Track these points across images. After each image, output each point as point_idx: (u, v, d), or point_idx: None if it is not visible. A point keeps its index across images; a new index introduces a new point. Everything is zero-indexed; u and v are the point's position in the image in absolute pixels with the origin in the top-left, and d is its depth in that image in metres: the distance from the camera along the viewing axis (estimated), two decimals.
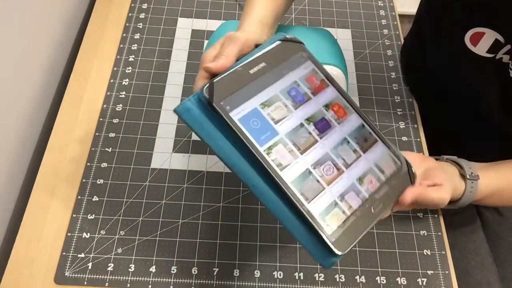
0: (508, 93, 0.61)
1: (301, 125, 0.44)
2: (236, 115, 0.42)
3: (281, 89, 0.45)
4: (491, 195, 0.56)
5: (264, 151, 0.42)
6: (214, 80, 0.43)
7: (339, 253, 0.40)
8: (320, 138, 0.44)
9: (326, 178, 0.43)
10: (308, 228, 0.41)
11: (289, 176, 0.42)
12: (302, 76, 0.46)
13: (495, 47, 0.59)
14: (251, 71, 0.44)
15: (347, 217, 0.42)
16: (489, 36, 0.59)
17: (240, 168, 0.42)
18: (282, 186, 0.41)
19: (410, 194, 0.45)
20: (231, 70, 0.44)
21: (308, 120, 0.45)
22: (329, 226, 0.41)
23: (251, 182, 0.42)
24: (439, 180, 0.51)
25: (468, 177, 0.54)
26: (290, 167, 0.42)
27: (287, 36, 0.47)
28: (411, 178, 0.46)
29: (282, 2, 0.60)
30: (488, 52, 0.60)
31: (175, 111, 0.43)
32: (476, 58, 0.61)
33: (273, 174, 0.41)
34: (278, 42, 0.46)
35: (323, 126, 0.45)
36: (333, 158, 0.44)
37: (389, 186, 0.45)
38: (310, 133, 0.44)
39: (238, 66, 0.44)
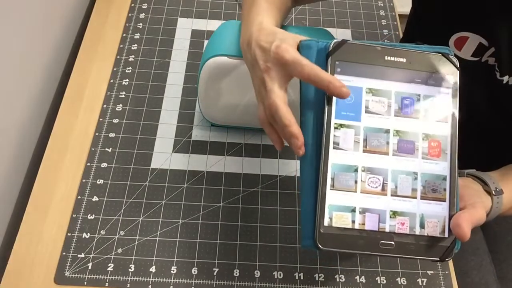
0: (497, 94, 0.61)
1: (387, 131, 0.42)
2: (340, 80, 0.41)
3: (400, 91, 0.43)
4: None
5: (334, 123, 0.41)
6: (347, 41, 0.42)
7: (318, 245, 0.40)
8: (393, 154, 0.42)
9: (364, 186, 0.41)
10: (314, 207, 0.41)
11: (334, 157, 0.41)
12: (431, 95, 0.43)
13: (480, 50, 0.60)
14: (387, 58, 0.42)
15: (352, 228, 0.41)
16: (473, 40, 0.60)
17: (306, 120, 0.42)
18: (322, 159, 0.40)
19: (467, 224, 0.41)
20: (369, 44, 0.43)
21: (397, 132, 0.42)
22: (330, 219, 0.40)
23: (304, 137, 0.42)
24: (469, 199, 0.47)
25: (494, 193, 0.51)
26: (343, 152, 0.41)
27: (451, 56, 0.44)
28: (443, 255, 0.42)
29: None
30: (473, 55, 0.61)
31: (300, 41, 0.44)
32: (462, 62, 0.62)
33: (323, 145, 0.41)
34: (438, 53, 0.44)
35: (405, 148, 0.42)
36: (387, 178, 0.42)
37: (415, 243, 0.41)
38: (388, 143, 0.42)
39: (378, 45, 0.43)
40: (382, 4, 0.91)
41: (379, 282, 0.59)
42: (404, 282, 0.59)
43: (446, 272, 0.60)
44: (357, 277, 0.59)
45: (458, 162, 0.43)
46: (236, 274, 0.58)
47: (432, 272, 0.60)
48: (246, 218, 0.63)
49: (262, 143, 0.69)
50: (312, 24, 0.86)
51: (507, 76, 0.58)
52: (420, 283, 0.59)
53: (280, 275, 0.58)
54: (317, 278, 0.58)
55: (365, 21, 0.88)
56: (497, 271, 0.75)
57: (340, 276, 0.59)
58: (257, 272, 0.58)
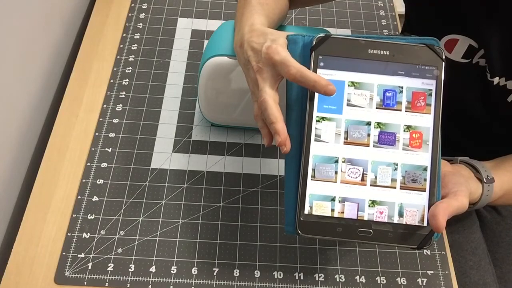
0: (489, 95, 0.62)
1: (368, 123, 0.43)
2: (322, 75, 0.42)
3: (382, 83, 0.43)
4: (503, 195, 0.55)
5: (316, 116, 0.42)
6: (331, 35, 0.43)
7: (298, 231, 0.42)
8: (374, 146, 0.43)
9: (344, 177, 0.42)
10: (296, 196, 0.43)
11: (316, 149, 0.42)
12: (413, 87, 0.43)
13: (470, 52, 0.60)
14: (370, 51, 0.43)
15: (331, 216, 0.42)
16: (463, 42, 0.60)
17: (291, 112, 0.44)
18: (304, 151, 0.42)
19: (443, 214, 0.41)
20: (353, 38, 0.43)
21: (378, 124, 0.43)
22: (310, 208, 0.42)
23: (288, 130, 0.43)
24: (453, 187, 0.47)
25: (485, 180, 0.52)
26: (324, 144, 0.42)
27: (437, 47, 0.43)
28: (421, 243, 0.42)
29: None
30: (463, 57, 0.61)
31: (287, 36, 0.45)
32: (453, 64, 0.62)
33: (305, 137, 0.42)
34: (423, 45, 0.43)
35: (386, 140, 0.43)
36: (366, 168, 0.42)
37: (393, 231, 0.42)
38: (369, 134, 0.43)
39: (362, 39, 0.43)
40: (382, 4, 0.91)
41: (379, 282, 0.59)
42: (404, 282, 0.59)
43: (446, 272, 0.60)
44: (357, 277, 0.59)
45: (440, 152, 0.44)
46: (236, 274, 0.58)
47: (432, 272, 0.60)
48: (246, 218, 0.63)
49: (262, 143, 0.69)
50: (312, 24, 0.86)
51: (497, 78, 0.59)
52: (420, 283, 0.59)
53: (280, 275, 0.58)
54: (317, 278, 0.59)
55: (365, 21, 0.88)
56: (496, 271, 0.75)
57: (340, 276, 0.59)
58: (257, 272, 0.58)
